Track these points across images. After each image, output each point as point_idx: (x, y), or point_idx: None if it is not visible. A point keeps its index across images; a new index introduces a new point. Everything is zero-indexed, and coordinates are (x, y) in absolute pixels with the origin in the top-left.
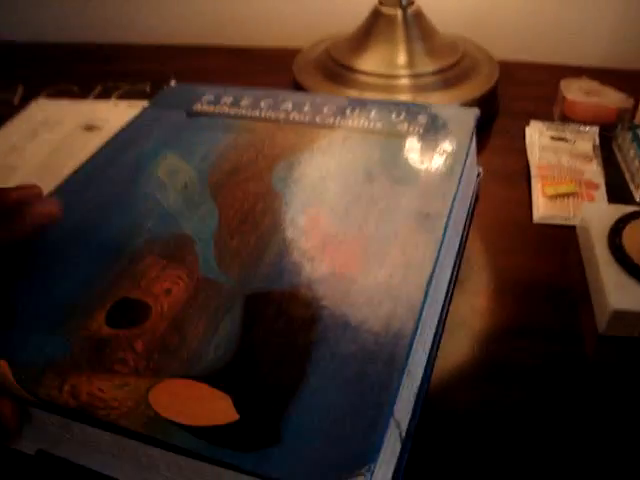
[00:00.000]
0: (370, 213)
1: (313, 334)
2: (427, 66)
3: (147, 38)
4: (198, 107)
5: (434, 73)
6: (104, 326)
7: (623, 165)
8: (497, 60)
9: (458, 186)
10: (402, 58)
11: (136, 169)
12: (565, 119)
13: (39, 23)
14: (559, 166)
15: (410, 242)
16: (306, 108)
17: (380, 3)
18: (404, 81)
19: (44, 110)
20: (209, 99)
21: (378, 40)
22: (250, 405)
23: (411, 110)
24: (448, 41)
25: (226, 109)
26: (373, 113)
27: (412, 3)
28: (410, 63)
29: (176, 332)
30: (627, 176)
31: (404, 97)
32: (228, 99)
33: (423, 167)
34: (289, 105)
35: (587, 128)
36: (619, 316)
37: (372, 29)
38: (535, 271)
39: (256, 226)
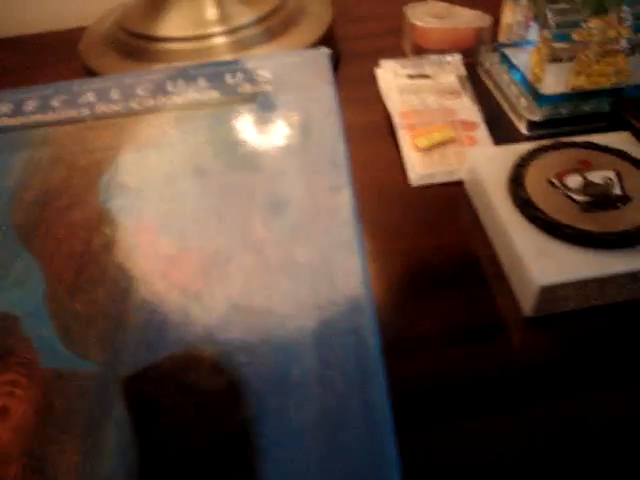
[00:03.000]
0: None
1: (245, 408)
2: (244, 16)
3: None
4: None
5: (254, 23)
6: None
7: (497, 94)
8: None
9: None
10: (212, 12)
11: None
12: (419, 51)
13: None
14: (426, 110)
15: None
16: (114, 95)
17: None
18: (219, 40)
19: None
20: None
21: None
22: None
23: (246, 67)
24: None
25: (5, 120)
26: (202, 81)
27: None
28: (223, 17)
29: (37, 475)
30: (505, 106)
31: (224, 59)
32: (4, 107)
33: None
34: (90, 96)
35: (448, 57)
36: (547, 293)
37: None
38: (426, 248)
39: (102, 271)
